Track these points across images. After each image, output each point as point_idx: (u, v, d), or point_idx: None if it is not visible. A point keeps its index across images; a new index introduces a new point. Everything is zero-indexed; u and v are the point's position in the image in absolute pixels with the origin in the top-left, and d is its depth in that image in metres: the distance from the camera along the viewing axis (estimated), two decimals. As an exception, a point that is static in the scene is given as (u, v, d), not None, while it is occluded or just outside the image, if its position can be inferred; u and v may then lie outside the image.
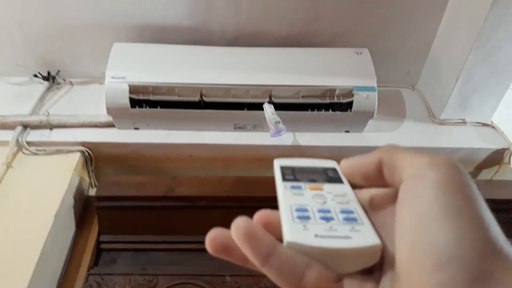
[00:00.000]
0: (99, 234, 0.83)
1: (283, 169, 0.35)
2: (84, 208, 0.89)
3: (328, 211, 0.29)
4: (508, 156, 0.95)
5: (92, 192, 0.92)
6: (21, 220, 0.74)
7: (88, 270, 0.77)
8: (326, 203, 0.30)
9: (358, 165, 0.30)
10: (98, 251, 0.82)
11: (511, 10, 0.80)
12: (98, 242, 0.83)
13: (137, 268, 0.78)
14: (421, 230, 0.23)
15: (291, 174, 0.34)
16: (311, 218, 0.28)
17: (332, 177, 0.34)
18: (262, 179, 0.86)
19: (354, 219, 0.28)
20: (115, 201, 0.82)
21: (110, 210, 0.82)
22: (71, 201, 0.83)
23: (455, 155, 0.96)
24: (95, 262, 0.80)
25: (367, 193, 0.32)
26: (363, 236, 0.27)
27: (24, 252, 0.69)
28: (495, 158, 0.97)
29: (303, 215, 0.29)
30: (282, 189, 0.32)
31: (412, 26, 0.99)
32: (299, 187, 0.32)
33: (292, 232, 0.27)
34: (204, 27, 0.96)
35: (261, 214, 0.28)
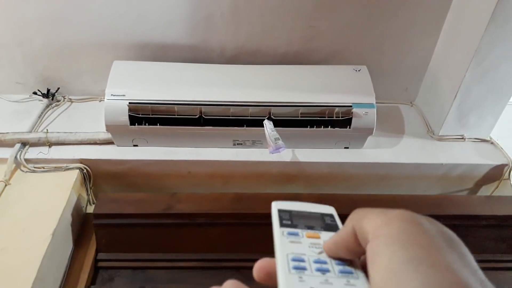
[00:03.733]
0: (96, 252, 0.82)
1: (281, 213, 0.35)
2: (82, 225, 0.88)
3: (325, 262, 0.29)
4: (508, 171, 0.95)
5: (90, 209, 0.92)
6: (18, 238, 0.73)
7: (86, 289, 0.76)
8: (323, 253, 0.30)
9: (340, 242, 0.30)
10: (96, 269, 0.81)
11: (508, 28, 0.81)
12: (96, 260, 0.82)
13: (135, 286, 0.77)
14: (388, 285, 0.23)
15: (288, 219, 0.34)
16: (307, 270, 0.28)
17: (329, 224, 0.34)
18: (261, 196, 0.86)
19: (350, 272, 0.28)
20: (113, 218, 0.81)
21: (108, 228, 0.81)
22: (69, 219, 0.82)
23: (454, 171, 0.96)
24: (92, 280, 0.79)
25: None
26: None
27: (21, 270, 0.68)
28: (495, 174, 0.97)
29: (299, 266, 0.28)
30: (279, 235, 0.32)
31: (410, 44, 1.00)
32: (296, 234, 0.32)
33: (288, 283, 0.27)
34: (204, 45, 0.97)
35: (261, 265, 0.30)
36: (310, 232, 0.33)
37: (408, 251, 0.23)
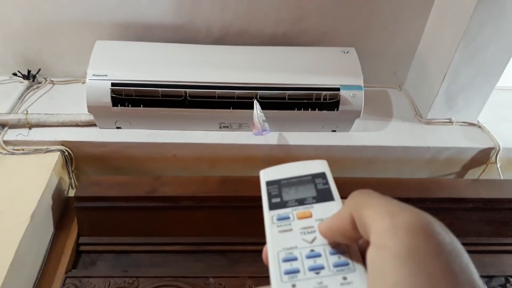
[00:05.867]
0: (78, 235, 0.81)
1: (269, 187, 0.33)
2: (64, 209, 0.86)
3: (318, 255, 0.28)
4: (495, 155, 0.95)
5: (72, 193, 0.90)
6: (-5, 221, 0.71)
7: (66, 273, 0.74)
8: (316, 239, 0.29)
9: (335, 227, 0.28)
10: (77, 254, 0.79)
11: (497, 8, 0.80)
12: (78, 244, 0.80)
13: (118, 271, 0.76)
14: None
15: (277, 195, 0.33)
16: (300, 272, 0.27)
17: (321, 190, 0.32)
18: (247, 179, 0.84)
19: (346, 264, 0.27)
20: (96, 201, 0.79)
21: (90, 211, 0.79)
22: (49, 202, 0.80)
23: (442, 154, 0.95)
24: (73, 264, 0.77)
25: None
26: None
27: (-3, 253, 0.66)
28: (482, 157, 0.97)
29: (291, 269, 0.27)
30: (270, 223, 0.31)
31: (398, 26, 0.99)
32: (287, 218, 0.31)
33: None
34: (189, 25, 0.95)
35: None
36: (301, 209, 0.31)
37: (419, 279, 0.21)
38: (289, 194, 0.33)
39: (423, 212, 0.24)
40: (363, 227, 0.25)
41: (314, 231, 0.29)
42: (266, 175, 0.35)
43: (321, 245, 0.29)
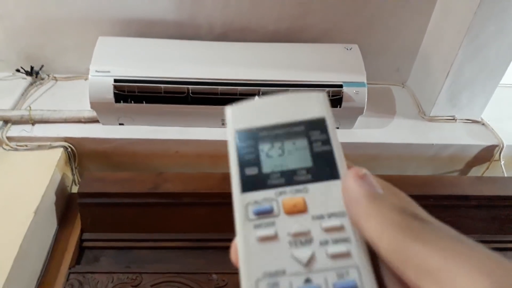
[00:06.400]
0: (81, 232, 0.81)
1: (242, 143, 0.22)
2: (67, 205, 0.86)
3: None
4: (498, 152, 0.94)
5: (75, 189, 0.90)
6: (-1, 216, 0.71)
7: (70, 269, 0.74)
8: (315, 257, 0.19)
9: None
10: (81, 249, 0.79)
11: (501, 5, 0.80)
12: (81, 240, 0.80)
13: (121, 266, 0.76)
14: None
15: (254, 160, 0.22)
16: None
17: (320, 155, 0.22)
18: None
19: None
20: (99, 197, 0.79)
21: (93, 207, 0.79)
22: (52, 198, 0.80)
23: (445, 151, 0.95)
24: (77, 260, 0.77)
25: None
26: None
27: (2, 248, 0.66)
28: (485, 155, 0.96)
29: None
30: (242, 219, 0.21)
31: (402, 23, 0.98)
32: (269, 211, 0.21)
33: None
34: (191, 22, 0.95)
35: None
36: (290, 194, 0.21)
37: None
38: (272, 159, 0.21)
39: None
40: (423, 276, 0.17)
41: (311, 242, 0.19)
42: (237, 116, 0.23)
43: (323, 270, 0.19)
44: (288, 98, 0.23)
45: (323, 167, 0.21)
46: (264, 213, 0.21)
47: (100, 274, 0.73)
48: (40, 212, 0.74)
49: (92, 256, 0.79)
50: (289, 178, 0.21)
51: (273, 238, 0.20)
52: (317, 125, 0.22)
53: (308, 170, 0.21)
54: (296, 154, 0.22)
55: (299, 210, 0.20)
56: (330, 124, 0.23)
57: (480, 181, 0.89)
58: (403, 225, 0.18)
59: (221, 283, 0.73)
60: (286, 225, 0.20)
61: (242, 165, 0.22)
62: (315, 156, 0.22)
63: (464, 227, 0.87)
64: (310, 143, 0.22)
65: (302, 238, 0.20)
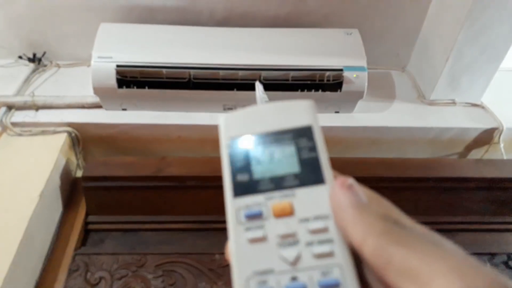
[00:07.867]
0: (87, 215, 0.82)
1: (234, 150, 0.25)
2: (72, 189, 0.88)
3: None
4: (498, 135, 0.95)
5: (80, 174, 0.91)
6: (5, 200, 0.73)
7: (75, 250, 0.76)
8: (301, 257, 0.21)
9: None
10: (86, 232, 0.81)
11: (501, -13, 0.80)
12: (86, 223, 0.81)
13: (126, 248, 0.77)
14: None
15: (245, 167, 0.24)
16: None
17: (306, 162, 0.23)
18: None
19: None
20: (103, 181, 0.80)
21: (98, 191, 0.81)
22: (57, 182, 0.81)
23: (445, 135, 0.96)
24: (82, 242, 0.79)
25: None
26: None
27: (8, 231, 0.68)
28: (485, 138, 0.97)
29: None
30: (234, 222, 0.23)
31: (402, 7, 0.98)
32: (259, 215, 0.23)
33: None
34: (192, 7, 0.95)
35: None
36: (278, 198, 0.23)
37: None
38: (262, 165, 0.23)
39: (498, 273, 0.18)
40: (404, 278, 0.18)
41: (297, 243, 0.21)
42: (229, 125, 0.25)
43: (308, 268, 0.20)
44: (277, 107, 0.26)
45: (310, 173, 0.23)
46: (254, 216, 0.23)
47: (105, 256, 0.75)
48: (45, 196, 0.75)
49: (97, 238, 0.80)
50: (278, 183, 0.23)
51: (263, 239, 0.22)
52: (304, 133, 0.24)
53: (295, 175, 0.23)
54: (284, 161, 0.24)
55: (286, 213, 0.22)
56: (317, 131, 0.24)
57: (479, 164, 0.90)
58: (385, 231, 0.20)
59: (224, 262, 0.74)
60: (275, 227, 0.22)
61: (234, 171, 0.25)
62: (302, 162, 0.24)
63: (463, 209, 0.88)
64: (298, 150, 0.24)
65: (289, 240, 0.22)
